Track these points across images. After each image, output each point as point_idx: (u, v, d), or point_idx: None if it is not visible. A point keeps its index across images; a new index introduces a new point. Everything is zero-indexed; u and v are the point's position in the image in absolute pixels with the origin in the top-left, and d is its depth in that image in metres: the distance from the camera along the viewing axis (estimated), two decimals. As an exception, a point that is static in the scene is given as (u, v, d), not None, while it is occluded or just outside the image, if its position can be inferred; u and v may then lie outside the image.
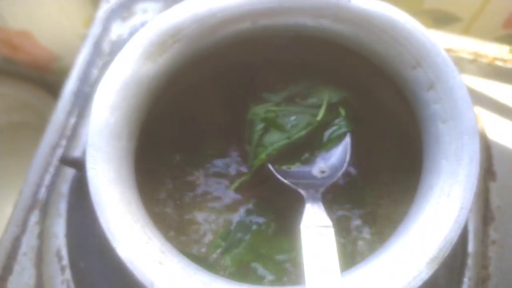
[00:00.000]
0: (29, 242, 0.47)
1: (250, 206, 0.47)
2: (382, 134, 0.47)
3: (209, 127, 0.50)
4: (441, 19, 0.67)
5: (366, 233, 0.46)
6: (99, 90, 0.34)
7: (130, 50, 0.36)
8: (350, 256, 0.44)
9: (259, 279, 0.43)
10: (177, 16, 0.37)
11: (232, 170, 0.49)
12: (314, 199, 0.40)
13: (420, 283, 0.31)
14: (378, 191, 0.48)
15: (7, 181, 1.02)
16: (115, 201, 0.32)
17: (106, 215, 0.31)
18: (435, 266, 0.31)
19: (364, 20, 0.38)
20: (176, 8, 0.37)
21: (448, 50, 0.55)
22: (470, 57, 0.55)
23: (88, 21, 0.78)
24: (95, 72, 0.54)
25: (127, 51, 0.36)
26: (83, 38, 0.82)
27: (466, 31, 0.68)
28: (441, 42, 0.54)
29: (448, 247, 0.32)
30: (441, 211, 0.33)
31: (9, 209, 0.97)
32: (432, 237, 0.32)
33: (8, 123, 1.05)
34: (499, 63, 0.55)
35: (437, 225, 0.32)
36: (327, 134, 0.46)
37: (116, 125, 0.34)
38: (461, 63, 0.55)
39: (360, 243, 0.45)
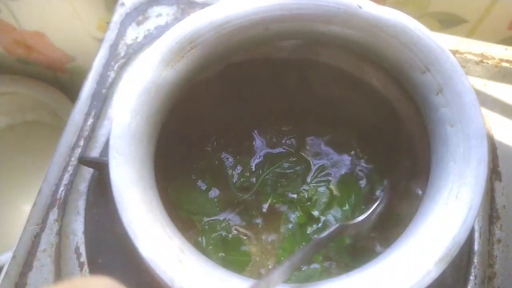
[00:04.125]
0: (48, 239, 0.48)
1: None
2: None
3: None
4: (447, 21, 0.68)
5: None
6: (121, 95, 0.35)
7: (150, 57, 0.37)
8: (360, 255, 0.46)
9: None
10: (195, 23, 0.38)
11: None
12: None
13: (429, 282, 0.32)
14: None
15: (23, 178, 1.04)
16: (137, 202, 0.33)
17: (128, 215, 0.33)
18: (443, 266, 0.32)
19: (374, 26, 0.39)
20: (193, 16, 0.39)
21: (455, 52, 0.56)
22: (476, 58, 0.56)
23: (102, 23, 0.80)
24: (111, 74, 0.55)
25: (147, 58, 0.37)
26: (96, 39, 0.83)
27: (472, 33, 0.68)
28: (447, 44, 0.56)
29: (457, 248, 0.33)
30: (449, 212, 0.34)
31: (25, 205, 0.99)
32: (441, 238, 0.33)
33: (23, 121, 1.07)
34: (505, 65, 0.56)
35: (446, 226, 0.33)
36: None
37: (137, 128, 0.35)
38: (467, 65, 0.56)
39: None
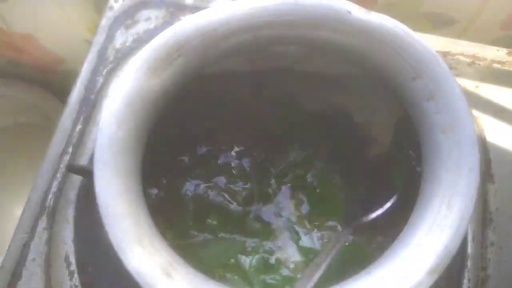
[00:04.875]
0: (37, 248, 0.47)
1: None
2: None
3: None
4: (438, 22, 0.67)
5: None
6: (107, 105, 0.35)
7: (136, 65, 0.36)
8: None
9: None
10: (181, 30, 0.38)
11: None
12: None
13: (420, 292, 0.32)
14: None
15: (14, 180, 1.04)
16: (123, 215, 0.33)
17: (114, 229, 0.32)
18: (435, 276, 0.32)
19: (364, 32, 0.38)
20: (180, 23, 0.38)
21: (446, 53, 0.56)
22: (468, 60, 0.56)
23: (92, 26, 0.79)
24: (99, 79, 0.54)
25: (132, 66, 0.36)
26: (87, 41, 0.83)
27: (464, 33, 0.68)
28: (439, 46, 0.55)
29: (449, 257, 0.33)
30: (441, 221, 0.34)
31: (16, 208, 0.99)
32: (432, 247, 0.33)
33: (14, 124, 1.07)
34: (497, 66, 0.56)
35: (438, 235, 0.33)
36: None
37: (123, 139, 0.34)
38: (459, 66, 0.55)
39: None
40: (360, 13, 0.38)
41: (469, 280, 0.46)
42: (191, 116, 0.49)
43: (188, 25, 0.38)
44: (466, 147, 0.35)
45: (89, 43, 0.57)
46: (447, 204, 0.34)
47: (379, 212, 0.47)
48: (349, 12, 0.38)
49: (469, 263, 0.47)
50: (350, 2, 0.39)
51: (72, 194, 0.49)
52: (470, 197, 0.34)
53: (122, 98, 0.35)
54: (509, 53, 0.56)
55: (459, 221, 0.34)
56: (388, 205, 0.47)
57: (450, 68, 0.38)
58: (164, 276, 0.32)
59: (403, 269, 0.33)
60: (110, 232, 0.32)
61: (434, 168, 0.36)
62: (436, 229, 0.34)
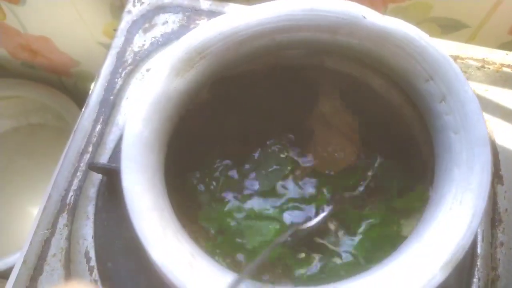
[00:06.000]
0: (58, 244, 0.49)
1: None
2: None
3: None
4: (448, 26, 0.68)
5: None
6: (133, 105, 0.36)
7: (160, 67, 0.38)
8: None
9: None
10: (203, 34, 0.39)
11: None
12: None
13: (434, 286, 0.33)
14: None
15: (27, 179, 1.05)
16: (149, 209, 0.34)
17: (141, 222, 0.33)
18: (448, 270, 0.33)
19: (379, 36, 0.40)
20: (202, 26, 0.39)
21: (456, 58, 0.57)
22: (477, 64, 0.57)
23: (107, 28, 0.80)
24: (118, 81, 0.56)
25: (157, 67, 0.38)
26: (101, 44, 0.84)
27: (473, 37, 0.69)
28: (449, 50, 0.56)
29: (461, 252, 0.33)
30: (454, 217, 0.35)
31: (30, 207, 1.00)
32: (445, 243, 0.34)
33: (27, 124, 1.08)
34: (506, 70, 0.57)
35: (451, 231, 0.34)
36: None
37: (148, 137, 0.36)
38: (469, 70, 0.56)
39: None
40: (375, 18, 0.40)
41: (479, 279, 0.47)
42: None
43: (210, 29, 0.39)
44: (478, 147, 0.36)
45: (103, 46, 0.58)
46: (459, 201, 0.35)
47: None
48: (364, 17, 0.39)
49: (479, 263, 0.47)
50: (365, 7, 0.40)
51: (92, 191, 0.50)
52: (482, 195, 0.35)
53: (147, 98, 0.37)
54: (517, 58, 0.57)
55: (471, 217, 0.34)
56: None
57: (460, 72, 0.39)
58: (187, 266, 0.33)
59: (417, 263, 0.34)
60: (136, 225, 0.33)
61: (447, 166, 0.37)
62: (448, 225, 0.35)
